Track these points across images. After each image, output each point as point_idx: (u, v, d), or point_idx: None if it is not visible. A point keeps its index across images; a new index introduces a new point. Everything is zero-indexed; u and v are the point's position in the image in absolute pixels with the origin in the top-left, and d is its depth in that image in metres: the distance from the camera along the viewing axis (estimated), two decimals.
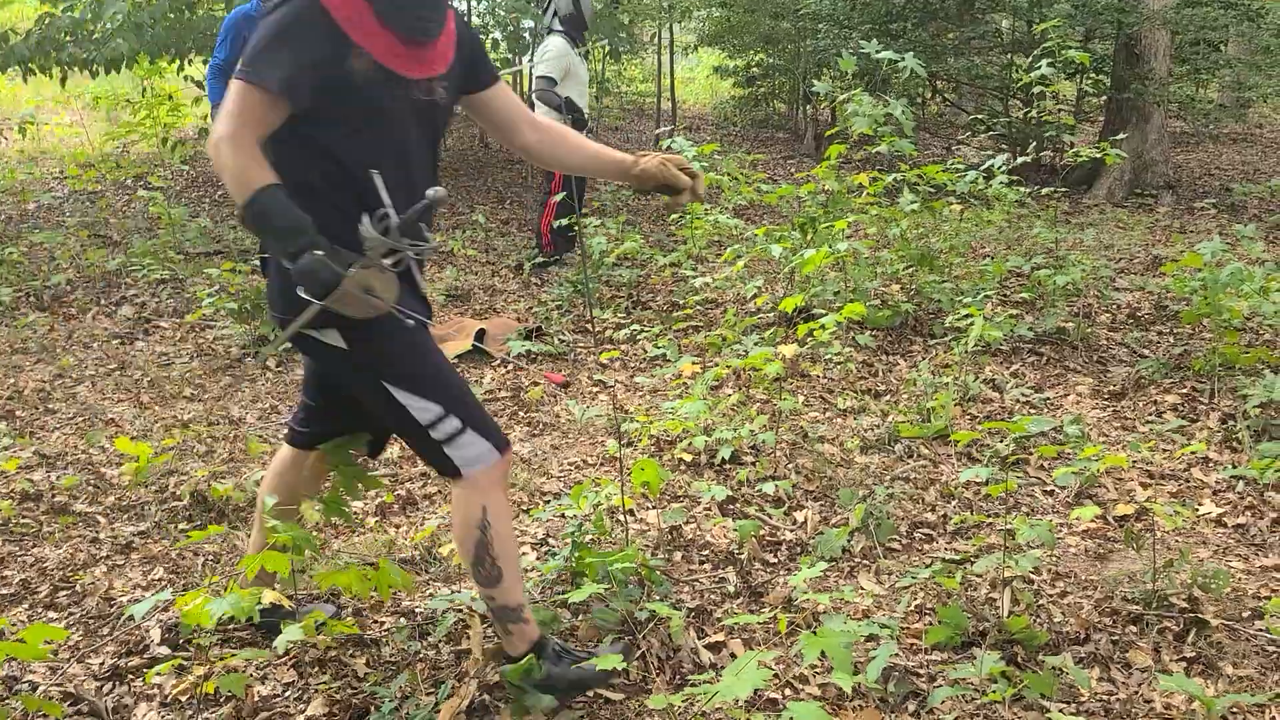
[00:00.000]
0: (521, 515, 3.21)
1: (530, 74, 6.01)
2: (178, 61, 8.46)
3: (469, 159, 10.39)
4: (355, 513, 3.26)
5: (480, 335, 4.87)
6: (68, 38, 7.64)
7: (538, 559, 2.89)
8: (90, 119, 11.32)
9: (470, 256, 6.60)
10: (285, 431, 2.50)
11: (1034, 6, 9.52)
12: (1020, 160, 5.48)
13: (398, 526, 3.20)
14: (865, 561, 2.91)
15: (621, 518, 3.00)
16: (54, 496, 3.30)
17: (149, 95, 9.53)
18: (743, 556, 2.92)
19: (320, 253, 1.86)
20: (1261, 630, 2.47)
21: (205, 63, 8.77)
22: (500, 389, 4.42)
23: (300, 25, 1.97)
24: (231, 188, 1.90)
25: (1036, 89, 5.50)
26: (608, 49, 10.08)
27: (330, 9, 1.97)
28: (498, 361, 4.76)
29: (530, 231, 7.59)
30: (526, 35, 9.16)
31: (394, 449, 3.71)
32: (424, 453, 2.18)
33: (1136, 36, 8.82)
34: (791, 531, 3.08)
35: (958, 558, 2.88)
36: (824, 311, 4.30)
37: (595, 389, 4.44)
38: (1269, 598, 2.62)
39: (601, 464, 3.63)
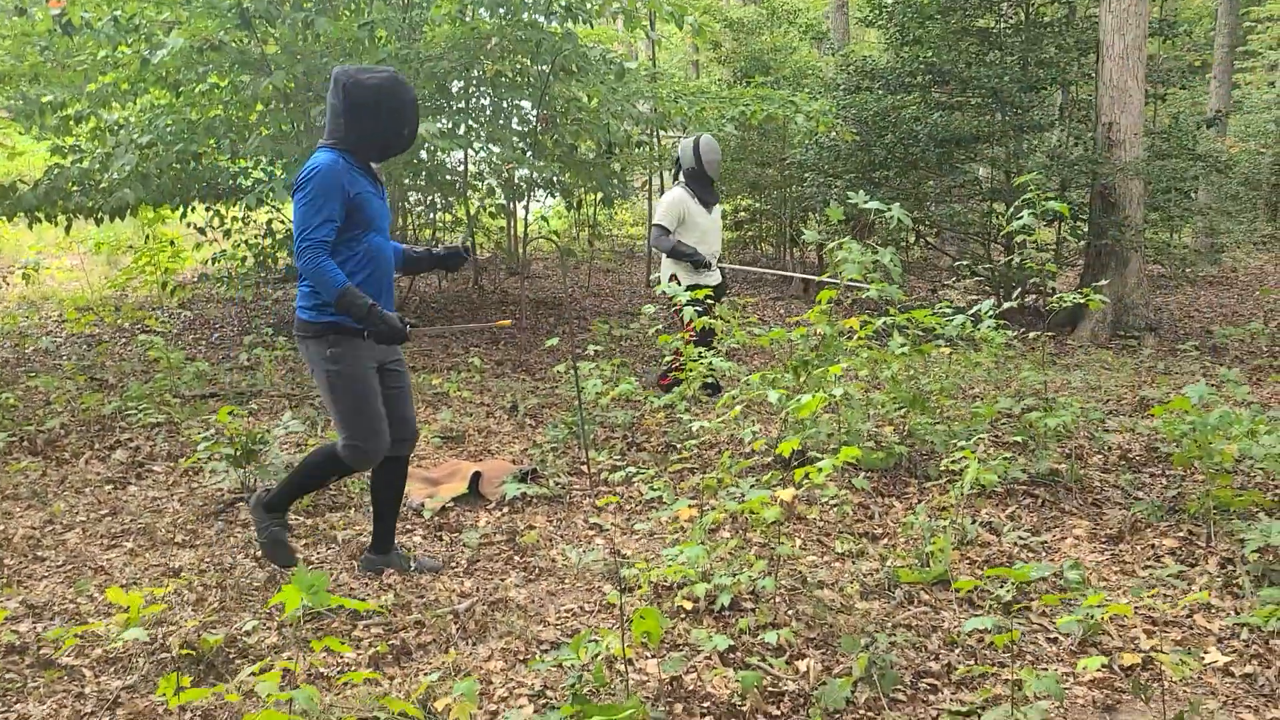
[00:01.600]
0: (518, 666, 3.15)
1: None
2: (181, 209, 8.68)
3: (463, 300, 10.57)
4: (348, 663, 3.20)
5: (475, 478, 4.86)
6: (75, 187, 7.86)
7: (535, 712, 2.83)
8: (91, 263, 11.52)
9: (465, 398, 6.64)
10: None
11: (1011, 158, 9.92)
12: (1006, 305, 5.61)
13: (391, 678, 3.13)
14: (870, 713, 2.85)
15: (621, 668, 2.95)
16: (40, 649, 3.23)
17: (151, 241, 9.73)
18: (745, 709, 2.86)
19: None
20: None
21: (207, 209, 9.03)
22: (496, 533, 4.39)
23: None
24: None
25: (1019, 238, 5.67)
26: (600, 196, 10.39)
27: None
28: (493, 505, 4.75)
29: (524, 373, 7.66)
30: (522, 183, 9.45)
31: (387, 595, 3.67)
32: None
33: (1111, 186, 9.16)
34: (794, 682, 3.02)
35: (964, 709, 2.83)
36: (819, 454, 4.33)
37: (591, 532, 4.42)
38: None
39: (599, 611, 3.58)
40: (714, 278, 6.21)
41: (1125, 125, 9.11)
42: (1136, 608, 3.47)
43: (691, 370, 5.35)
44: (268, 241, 9.64)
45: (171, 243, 9.96)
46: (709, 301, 5.85)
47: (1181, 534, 4.17)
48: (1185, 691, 2.93)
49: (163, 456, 5.45)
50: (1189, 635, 3.31)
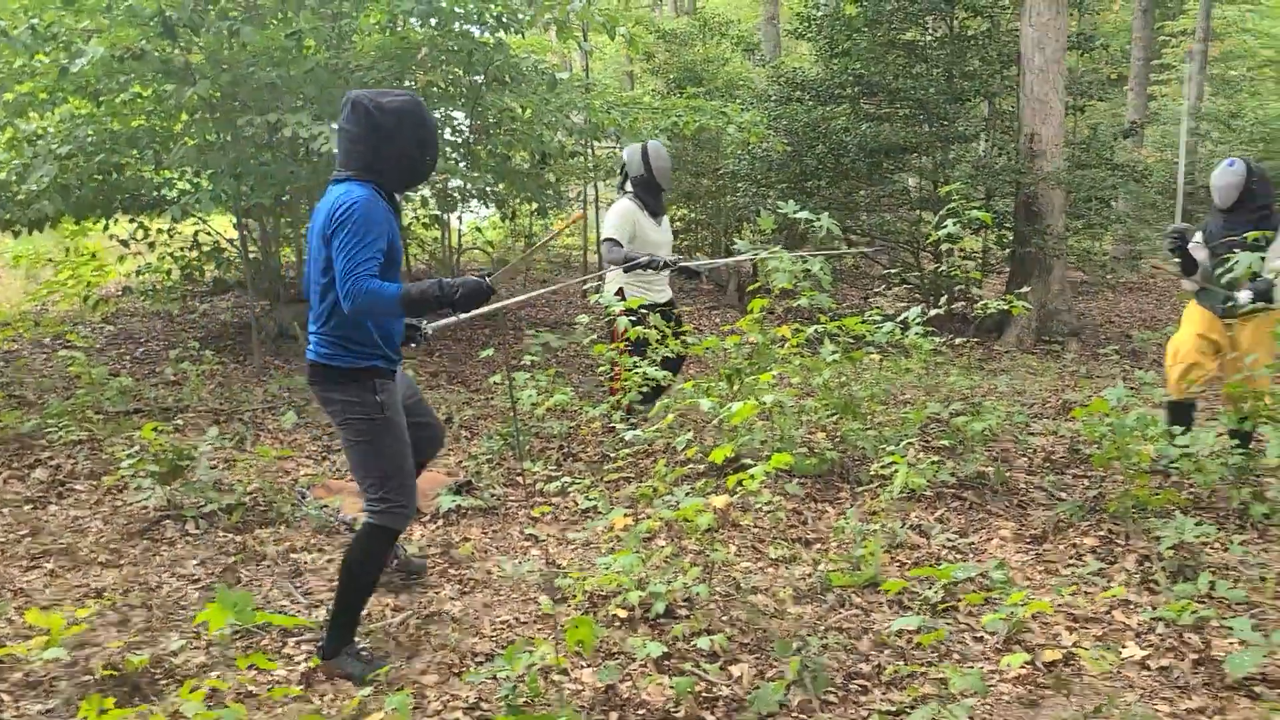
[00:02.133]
0: (453, 678, 3.13)
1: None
2: (103, 221, 8.48)
3: None
4: (278, 680, 3.15)
5: None
6: None
7: None
8: (9, 277, 11.19)
9: None
10: None
11: (938, 168, 10.13)
12: (934, 312, 5.73)
13: (323, 695, 3.10)
14: (803, 716, 2.89)
15: (556, 677, 2.95)
16: None
17: (72, 254, 9.49)
18: (680, 715, 2.88)
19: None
20: None
21: (131, 221, 8.83)
22: (430, 546, 4.36)
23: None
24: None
25: (945, 246, 5.80)
26: (535, 206, 10.38)
27: None
28: (427, 518, 4.71)
29: (459, 384, 7.62)
30: (455, 193, 9.40)
31: (319, 611, 3.62)
32: None
33: (1034, 195, 9.40)
34: (728, 687, 3.05)
35: (894, 709, 2.89)
36: (752, 461, 4.37)
37: (526, 543, 4.41)
38: None
39: (534, 621, 3.58)
40: (664, 294, 5.88)
41: (1046, 136, 9.37)
42: (1058, 605, 3.57)
43: (628, 380, 5.34)
44: (194, 254, 9.45)
45: (93, 255, 9.72)
46: (643, 312, 5.68)
47: (1102, 533, 4.29)
48: (1104, 685, 3.01)
49: (85, 475, 5.32)
50: (1108, 631, 3.41)
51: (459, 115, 9.49)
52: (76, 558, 4.21)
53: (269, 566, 4.12)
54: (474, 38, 8.10)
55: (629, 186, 5.74)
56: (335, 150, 3.49)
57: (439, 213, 10.43)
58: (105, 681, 3.09)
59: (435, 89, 8.46)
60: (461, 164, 9.04)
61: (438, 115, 9.45)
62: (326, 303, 3.11)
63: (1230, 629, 3.16)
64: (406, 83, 8.41)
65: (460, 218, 10.70)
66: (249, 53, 7.36)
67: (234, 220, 8.58)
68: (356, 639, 3.23)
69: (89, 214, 8.29)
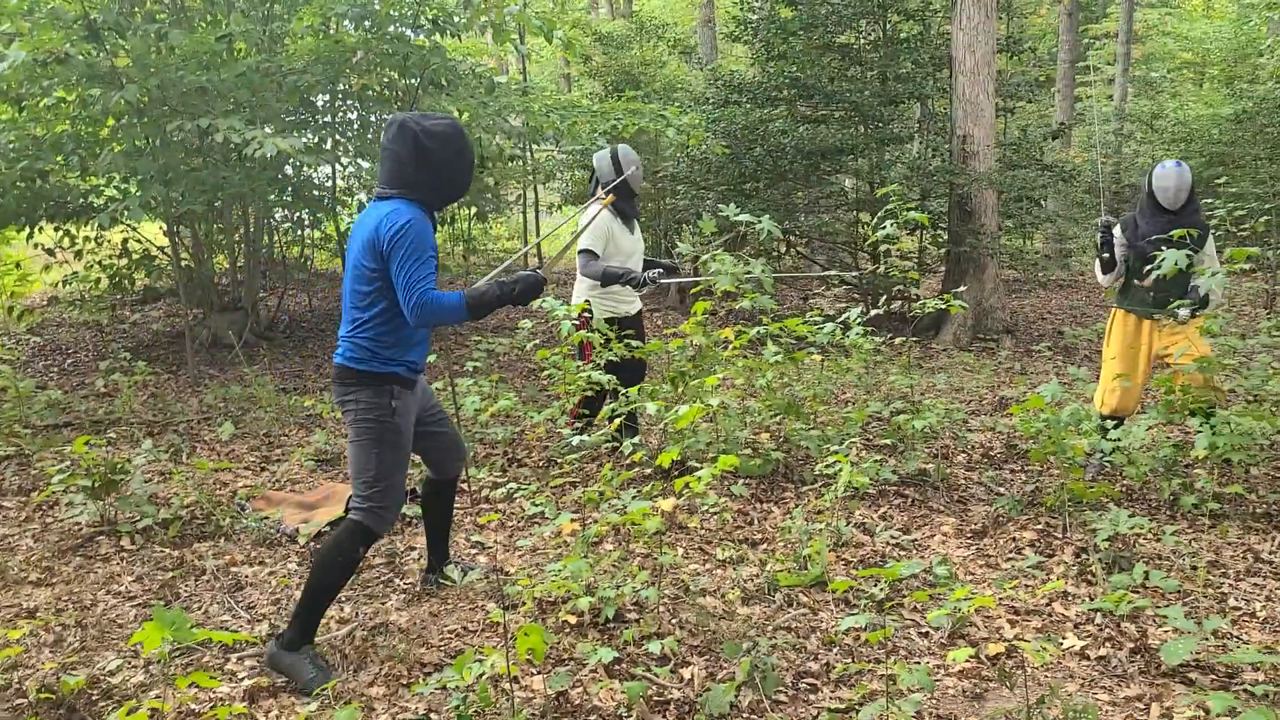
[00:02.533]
0: (401, 690, 3.10)
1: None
2: (27, 229, 8.25)
3: (335, 319, 10.32)
4: (221, 698, 3.09)
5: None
6: None
7: None
8: None
9: (339, 419, 6.49)
10: None
11: (874, 170, 10.28)
12: (873, 312, 5.80)
13: (268, 711, 3.04)
14: (753, 716, 2.91)
15: (506, 686, 2.93)
16: None
17: None
18: (631, 719, 2.88)
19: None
20: None
21: (56, 229, 8.60)
22: (375, 556, 4.31)
23: None
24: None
25: (883, 247, 5.87)
26: (474, 210, 10.32)
27: None
28: None
29: None
30: None
31: (261, 626, 3.56)
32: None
33: (967, 195, 9.57)
34: (679, 690, 3.06)
35: (843, 706, 2.92)
36: (698, 464, 4.40)
37: (473, 550, 4.38)
38: None
39: (484, 630, 3.55)
40: (634, 305, 5.62)
41: (979, 137, 9.54)
42: (1000, 599, 3.64)
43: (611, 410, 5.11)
44: (123, 262, 9.24)
45: (17, 265, 9.45)
46: (627, 332, 5.44)
47: (1040, 526, 4.38)
48: (1046, 676, 3.08)
49: (13, 491, 5.16)
50: (1049, 623, 3.48)
51: None
52: (6, 577, 4.09)
53: (209, 581, 4.04)
54: (409, 41, 8.03)
55: (600, 193, 5.39)
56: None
57: None
58: (40, 705, 3.00)
59: (370, 93, 8.37)
60: None
61: (373, 120, 9.35)
62: (369, 312, 3.25)
63: (1165, 617, 3.24)
64: (340, 86, 8.31)
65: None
66: (177, 56, 7.21)
67: (165, 227, 8.39)
68: (314, 644, 3.20)
69: (12, 222, 8.05)
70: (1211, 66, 17.75)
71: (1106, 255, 5.08)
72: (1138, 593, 3.59)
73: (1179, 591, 3.64)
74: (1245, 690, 2.95)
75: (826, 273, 3.65)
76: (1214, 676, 3.06)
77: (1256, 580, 3.81)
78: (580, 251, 5.28)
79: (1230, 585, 3.76)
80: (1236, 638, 3.32)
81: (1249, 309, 9.82)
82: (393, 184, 3.27)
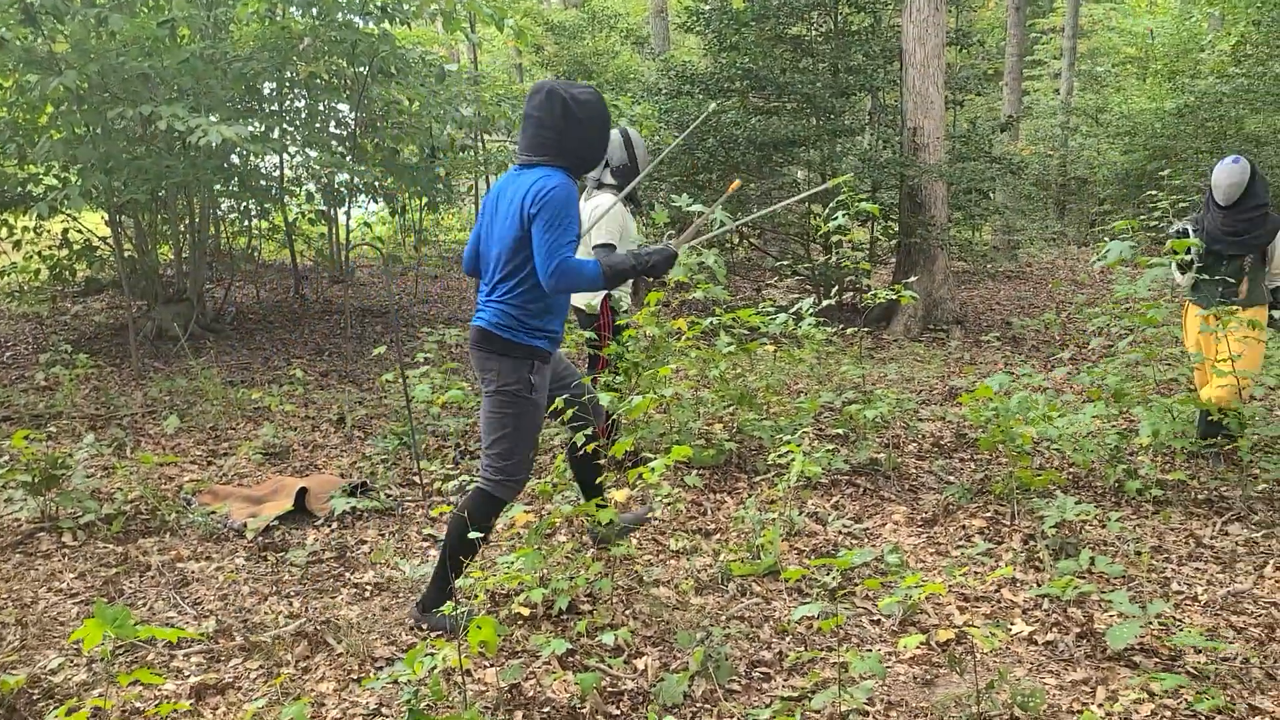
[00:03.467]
0: (352, 685, 3.06)
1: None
2: None
3: (283, 311, 10.18)
4: (166, 696, 3.03)
5: (301, 495, 4.69)
6: None
7: None
8: None
9: (288, 412, 6.40)
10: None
11: (826, 161, 10.33)
12: (825, 302, 5.83)
13: (215, 709, 2.99)
14: (707, 705, 2.91)
15: (459, 679, 2.91)
16: None
17: None
18: (585, 711, 2.87)
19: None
20: None
21: None
22: (325, 550, 4.25)
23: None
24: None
25: (835, 238, 5.91)
26: (425, 201, 10.21)
27: None
28: (321, 521, 4.59)
29: (350, 383, 7.45)
30: (342, 188, 9.18)
31: (208, 622, 3.50)
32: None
33: (918, 187, 9.66)
34: (632, 680, 3.06)
35: (796, 694, 2.93)
36: (652, 454, 4.39)
37: (425, 544, 4.34)
38: (1081, 711, 2.77)
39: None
40: (627, 299, 5.38)
41: (928, 129, 9.63)
42: (950, 586, 3.68)
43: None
44: (64, 253, 9.02)
45: None
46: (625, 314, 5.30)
47: (989, 514, 4.44)
48: (995, 662, 3.12)
49: None
50: (997, 609, 3.53)
51: (344, 108, 9.27)
52: None
53: (154, 577, 3.96)
54: (358, 28, 7.91)
55: (608, 178, 5.19)
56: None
57: (325, 208, 10.18)
58: None
59: (318, 81, 8.24)
60: (348, 157, 8.83)
61: (321, 108, 9.21)
62: (517, 278, 3.30)
63: (1110, 602, 3.30)
64: (287, 74, 8.18)
65: (348, 213, 10.45)
66: (118, 41, 7.05)
67: (106, 217, 8.21)
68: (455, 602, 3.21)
69: None
70: (1154, 61, 18.08)
71: (1188, 258, 5.06)
72: (1084, 578, 3.65)
73: (1124, 577, 3.70)
74: (1188, 672, 3.01)
75: (815, 189, 3.53)
76: (1158, 659, 3.12)
77: (1198, 565, 3.89)
78: (598, 245, 4.85)
79: (1173, 570, 3.83)
80: (1179, 621, 3.39)
81: None
82: (538, 151, 3.32)
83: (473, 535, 3.24)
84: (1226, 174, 4.94)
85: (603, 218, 4.59)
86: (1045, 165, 15.99)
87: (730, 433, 5.27)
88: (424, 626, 3.41)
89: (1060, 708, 2.82)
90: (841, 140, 11.00)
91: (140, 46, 7.11)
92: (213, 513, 4.54)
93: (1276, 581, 3.71)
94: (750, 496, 4.60)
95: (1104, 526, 4.16)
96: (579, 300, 5.12)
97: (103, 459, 5.34)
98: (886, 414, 5.31)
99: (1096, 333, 8.17)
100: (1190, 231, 5.09)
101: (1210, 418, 4.73)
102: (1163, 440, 4.51)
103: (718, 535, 4.24)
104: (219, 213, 10.32)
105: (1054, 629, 3.36)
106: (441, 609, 3.18)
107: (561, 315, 3.45)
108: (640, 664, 3.15)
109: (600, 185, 5.18)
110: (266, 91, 8.88)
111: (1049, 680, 3.02)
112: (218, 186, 9.00)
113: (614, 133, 5.13)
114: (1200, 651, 3.12)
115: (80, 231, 8.92)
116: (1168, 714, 2.78)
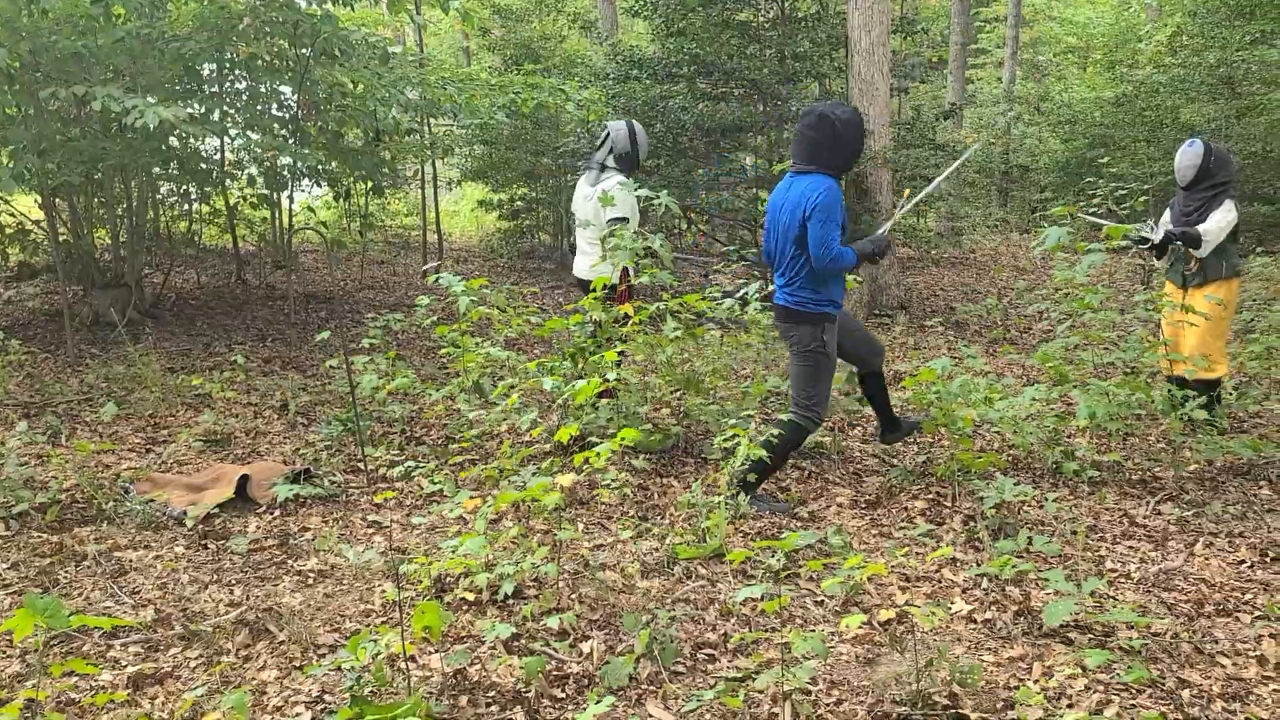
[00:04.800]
0: (294, 673, 3.03)
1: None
2: None
3: (225, 297, 10.01)
4: (103, 686, 2.98)
5: (243, 482, 4.62)
6: None
7: (313, 718, 2.73)
8: None
9: (230, 399, 6.30)
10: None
11: (773, 147, 10.37)
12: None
13: (153, 698, 2.94)
14: (652, 687, 2.93)
15: (403, 665, 2.89)
16: None
17: None
18: (530, 695, 2.87)
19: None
20: (1014, 719, 2.66)
21: None
22: (267, 537, 4.20)
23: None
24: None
25: None
26: (370, 185, 10.09)
27: None
28: (263, 509, 4.53)
29: (294, 370, 7.35)
30: (285, 171, 9.04)
31: (147, 611, 3.44)
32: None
33: (863, 173, 9.74)
34: (578, 664, 3.06)
35: (740, 675, 2.96)
36: (598, 439, 4.39)
37: (370, 530, 4.30)
38: (1017, 687, 2.83)
39: (380, 610, 3.49)
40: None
41: (874, 116, 9.70)
42: (892, 567, 3.73)
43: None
44: None
45: None
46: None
47: (930, 496, 4.51)
48: (935, 640, 3.17)
49: None
50: (938, 588, 3.59)
51: (286, 90, 9.11)
52: None
53: (89, 567, 3.88)
54: (299, 8, 7.77)
55: (611, 162, 5.63)
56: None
57: (268, 191, 10.01)
58: None
59: (260, 62, 8.09)
60: (290, 141, 8.69)
61: (262, 91, 9.04)
62: (798, 266, 4.26)
63: (1046, 580, 3.37)
64: (228, 55, 8.02)
65: (291, 197, 10.29)
66: (50, 20, 6.86)
67: (40, 200, 8.00)
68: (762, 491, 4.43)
69: None
70: (1094, 51, 18.39)
71: (1155, 251, 5.52)
72: (1021, 557, 3.72)
73: (1060, 556, 3.78)
74: (1120, 647, 3.09)
75: (963, 156, 4.61)
76: (1092, 635, 3.19)
77: (1131, 543, 3.99)
78: (616, 219, 5.43)
79: (1107, 548, 3.93)
80: (1113, 598, 3.47)
81: (1128, 284, 10.24)
82: (810, 161, 4.25)
83: (769, 457, 4.22)
84: (1181, 156, 5.34)
85: (621, 197, 5.40)
86: (989, 153, 16.20)
87: (677, 417, 5.28)
88: (761, 512, 4.31)
89: (998, 684, 2.88)
90: (789, 126, 11.05)
91: (73, 25, 6.93)
92: (151, 501, 4.46)
93: (1206, 559, 3.82)
94: (696, 480, 4.62)
95: (1042, 507, 4.25)
96: (596, 274, 5.34)
97: (37, 447, 5.22)
98: (832, 398, 5.36)
99: (1037, 317, 8.32)
100: (1166, 216, 5.50)
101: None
102: (1099, 422, 4.60)
103: (664, 519, 4.25)
104: (158, 196, 10.11)
105: (992, 607, 3.42)
106: (761, 492, 4.42)
107: (839, 284, 4.36)
108: (586, 647, 3.15)
109: (604, 168, 5.64)
110: (206, 73, 8.70)
111: (987, 657, 3.07)
112: (156, 169, 8.82)
113: (620, 124, 5.68)
114: (1132, 627, 3.20)
115: (13, 215, 8.68)
116: (1100, 688, 2.85)
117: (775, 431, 4.29)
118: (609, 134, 5.65)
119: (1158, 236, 5.33)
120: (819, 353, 4.29)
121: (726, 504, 4.13)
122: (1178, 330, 5.30)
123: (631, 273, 5.40)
